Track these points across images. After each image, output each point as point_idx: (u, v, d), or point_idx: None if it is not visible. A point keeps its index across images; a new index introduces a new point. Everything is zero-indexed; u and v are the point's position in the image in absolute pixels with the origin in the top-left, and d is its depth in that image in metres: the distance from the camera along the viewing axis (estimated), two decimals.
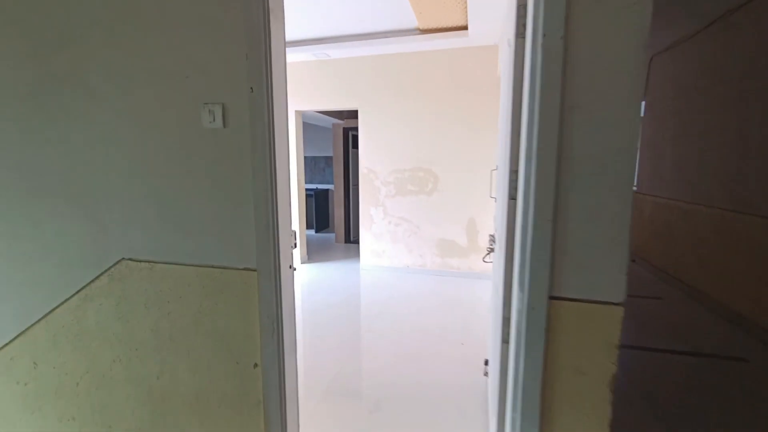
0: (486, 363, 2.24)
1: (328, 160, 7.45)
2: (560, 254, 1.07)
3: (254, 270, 1.41)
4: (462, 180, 4.23)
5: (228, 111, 1.36)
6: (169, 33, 1.37)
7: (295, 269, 1.55)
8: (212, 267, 1.46)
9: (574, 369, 1.11)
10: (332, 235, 6.73)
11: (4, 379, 1.74)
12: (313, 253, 5.54)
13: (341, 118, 5.99)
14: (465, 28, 3.52)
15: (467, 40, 3.77)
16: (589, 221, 1.04)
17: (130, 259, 1.54)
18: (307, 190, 6.77)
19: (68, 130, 1.53)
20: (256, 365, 1.46)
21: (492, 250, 2.00)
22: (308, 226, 6.81)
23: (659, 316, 3.22)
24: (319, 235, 6.89)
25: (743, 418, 1.99)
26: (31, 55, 1.52)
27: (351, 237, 6.27)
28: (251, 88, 1.31)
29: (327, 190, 7.27)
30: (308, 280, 4.37)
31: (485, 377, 2.30)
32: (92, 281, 1.58)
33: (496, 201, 2.00)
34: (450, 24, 3.49)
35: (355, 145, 5.96)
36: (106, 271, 1.57)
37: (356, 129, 5.49)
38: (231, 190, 1.40)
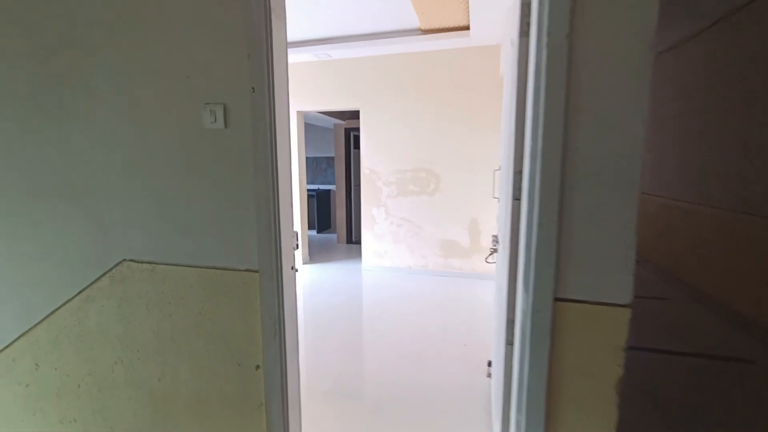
0: (489, 364, 2.22)
1: (330, 160, 7.44)
2: (565, 255, 1.06)
3: (256, 271, 1.40)
4: (464, 180, 4.22)
5: (229, 111, 1.35)
6: (170, 33, 1.37)
7: (297, 270, 1.54)
8: (213, 268, 1.45)
9: (580, 371, 1.09)
10: (334, 236, 6.72)
11: (5, 380, 1.74)
12: (315, 254, 5.53)
13: (343, 119, 5.98)
14: (467, 28, 3.51)
15: (469, 40, 3.75)
16: (594, 222, 1.03)
17: (131, 260, 1.53)
18: (308, 190, 6.77)
19: (68, 130, 1.52)
20: (257, 367, 1.45)
21: (495, 250, 1.99)
22: (310, 227, 6.80)
23: (661, 316, 3.20)
24: (321, 235, 6.89)
25: (748, 420, 1.98)
26: (31, 55, 1.52)
27: (353, 237, 6.26)
28: (253, 88, 1.30)
29: (329, 191, 7.27)
30: (310, 281, 4.36)
31: (488, 378, 2.29)
32: (93, 282, 1.58)
33: (499, 201, 1.98)
34: (452, 24, 3.48)
35: (357, 146, 5.96)
36: (107, 272, 1.56)
37: (358, 129, 5.49)
38: (232, 190, 1.39)
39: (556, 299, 1.09)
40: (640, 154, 0.98)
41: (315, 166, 7.64)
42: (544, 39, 1.00)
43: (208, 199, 1.42)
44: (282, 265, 1.41)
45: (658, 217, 4.42)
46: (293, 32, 3.73)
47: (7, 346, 1.71)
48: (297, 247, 1.55)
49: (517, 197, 1.21)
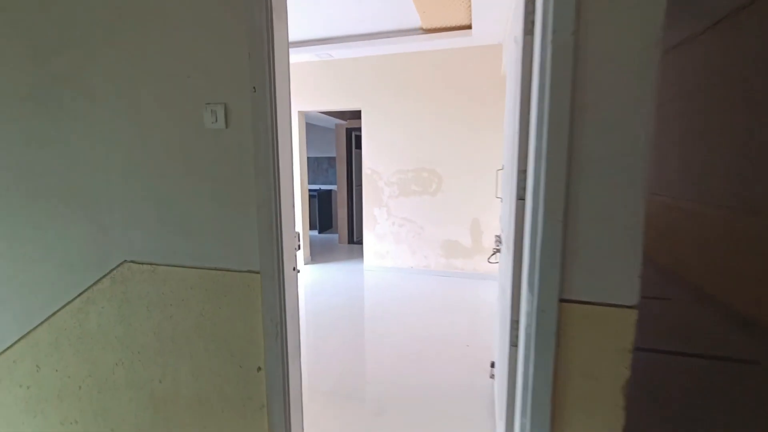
0: (492, 365, 2.21)
1: (331, 160, 7.43)
2: (571, 256, 1.04)
3: (257, 272, 1.39)
4: (466, 180, 4.20)
5: (230, 111, 1.34)
6: (171, 32, 1.36)
7: (299, 271, 1.53)
8: (215, 269, 1.44)
9: (586, 374, 1.08)
10: (335, 236, 6.71)
11: (6, 382, 1.73)
12: (316, 254, 5.52)
13: (344, 119, 5.97)
14: (469, 27, 3.49)
15: (470, 40, 3.74)
16: (600, 222, 1.02)
17: (132, 261, 1.52)
18: (310, 190, 6.76)
19: (69, 131, 1.51)
20: (259, 369, 1.44)
21: (498, 250, 1.97)
22: (311, 227, 6.79)
23: (663, 316, 3.18)
24: (323, 235, 6.88)
25: (751, 421, 1.96)
26: (32, 55, 1.51)
27: (354, 238, 6.25)
28: (254, 87, 1.29)
29: (330, 191, 7.26)
30: (311, 282, 4.35)
31: (491, 379, 2.27)
32: (94, 284, 1.57)
33: (502, 201, 1.97)
34: (454, 23, 3.46)
35: (358, 146, 5.94)
36: (108, 273, 1.55)
37: (359, 129, 5.47)
38: (233, 191, 1.38)
39: (562, 300, 1.07)
40: (647, 152, 0.96)
41: (316, 166, 7.63)
42: (549, 36, 0.99)
43: (209, 199, 1.41)
44: (284, 266, 1.39)
45: (659, 217, 4.40)
46: (294, 32, 3.72)
47: (8, 348, 1.70)
48: (299, 248, 1.54)
49: (521, 197, 1.20)
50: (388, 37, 3.74)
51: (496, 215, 4.14)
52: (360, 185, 5.75)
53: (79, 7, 1.43)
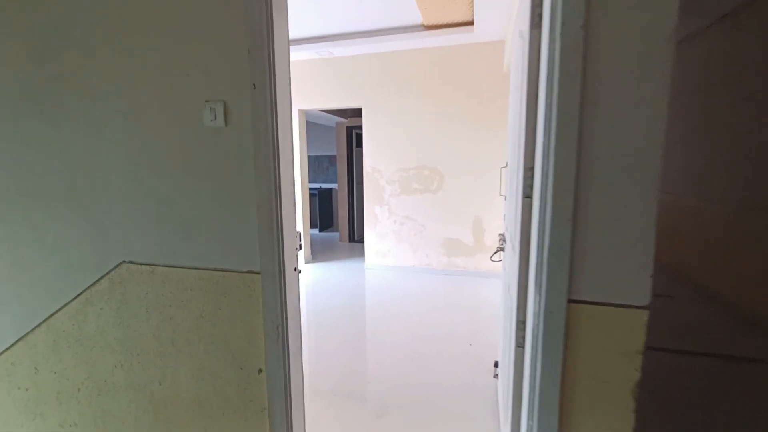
0: (496, 365, 2.18)
1: (332, 158, 7.41)
2: (580, 255, 1.02)
3: (258, 273, 1.37)
4: (467, 178, 4.17)
5: (230, 109, 1.31)
6: (170, 29, 1.33)
7: (300, 272, 1.50)
8: (214, 270, 1.41)
9: (595, 376, 1.05)
10: (336, 235, 6.69)
11: (5, 384, 1.71)
12: (317, 253, 5.50)
13: (345, 117, 5.94)
14: (470, 23, 3.46)
15: (472, 36, 3.70)
16: (611, 220, 0.99)
17: (130, 262, 1.50)
18: (310, 189, 6.73)
19: (68, 131, 1.49)
20: (260, 371, 1.42)
21: (501, 249, 1.95)
22: (312, 226, 6.77)
23: (667, 315, 3.15)
24: (323, 234, 6.86)
25: (757, 420, 1.93)
26: (31, 55, 1.48)
27: (355, 236, 6.23)
28: (254, 84, 1.26)
29: (331, 189, 7.23)
30: (312, 281, 4.33)
31: (494, 379, 2.25)
32: (92, 285, 1.54)
33: (506, 199, 1.94)
34: (455, 20, 3.43)
35: (359, 144, 5.92)
36: (106, 274, 1.52)
37: (360, 127, 5.44)
38: (233, 190, 1.35)
39: (570, 300, 1.04)
40: (660, 150, 0.93)
41: (317, 165, 7.60)
42: (558, 30, 0.96)
43: (209, 198, 1.38)
44: (284, 266, 1.37)
45: (663, 215, 4.37)
46: (294, 30, 3.68)
47: (6, 350, 1.68)
48: (300, 248, 1.51)
49: (527, 195, 1.17)
50: (390, 34, 3.70)
51: (498, 213, 4.12)
52: (361, 183, 5.73)
53: (79, 7, 1.40)
